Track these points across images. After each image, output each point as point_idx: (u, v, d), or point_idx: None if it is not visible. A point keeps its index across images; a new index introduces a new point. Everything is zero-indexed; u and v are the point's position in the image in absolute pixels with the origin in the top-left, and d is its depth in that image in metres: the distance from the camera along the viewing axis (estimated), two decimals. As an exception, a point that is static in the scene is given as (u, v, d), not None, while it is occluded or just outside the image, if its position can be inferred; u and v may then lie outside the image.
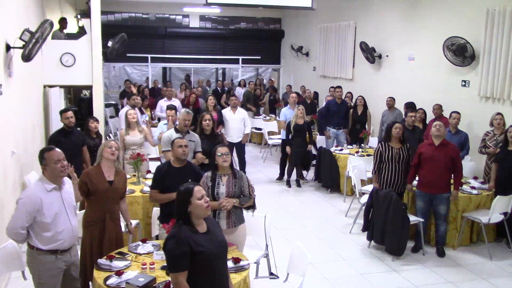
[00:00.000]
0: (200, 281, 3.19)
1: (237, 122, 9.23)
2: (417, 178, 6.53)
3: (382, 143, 6.68)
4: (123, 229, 5.01)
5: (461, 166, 6.36)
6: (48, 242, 3.95)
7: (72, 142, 6.83)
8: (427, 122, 8.79)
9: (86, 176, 4.67)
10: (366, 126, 10.27)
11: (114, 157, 4.76)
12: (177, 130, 6.38)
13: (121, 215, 4.95)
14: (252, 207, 4.88)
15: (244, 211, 4.88)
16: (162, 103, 10.92)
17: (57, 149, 4.04)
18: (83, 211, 4.93)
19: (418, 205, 6.45)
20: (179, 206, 3.28)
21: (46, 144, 6.71)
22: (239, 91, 15.17)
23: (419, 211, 6.44)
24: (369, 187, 7.49)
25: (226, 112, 9.37)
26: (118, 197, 4.84)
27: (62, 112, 7.07)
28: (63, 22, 10.70)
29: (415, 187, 6.53)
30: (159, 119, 10.73)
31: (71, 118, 6.94)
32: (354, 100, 10.86)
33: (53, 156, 3.95)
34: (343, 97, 10.65)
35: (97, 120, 7.42)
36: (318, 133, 10.84)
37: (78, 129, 7.54)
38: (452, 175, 6.29)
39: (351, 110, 10.28)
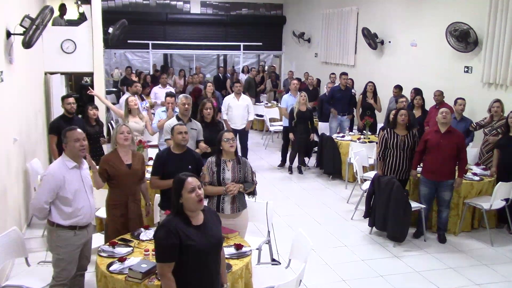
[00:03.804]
0: (188, 274, 3.14)
1: (241, 109, 9.20)
2: (421, 164, 6.54)
3: (388, 129, 6.66)
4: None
5: (466, 154, 6.37)
6: (68, 217, 4.11)
7: None
8: (427, 108, 8.73)
9: (105, 162, 4.84)
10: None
11: (127, 142, 4.90)
12: (178, 118, 6.35)
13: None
14: (253, 193, 4.92)
15: (246, 197, 4.93)
16: (157, 90, 10.94)
17: (79, 130, 4.22)
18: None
19: (422, 191, 6.46)
20: (173, 196, 3.20)
21: (47, 131, 6.70)
22: (242, 77, 15.13)
23: (422, 197, 6.45)
24: (371, 174, 7.51)
25: (230, 98, 9.34)
26: (137, 179, 4.99)
27: (64, 98, 7.05)
28: (63, 8, 10.64)
29: (420, 173, 6.54)
30: (152, 106, 10.74)
31: (73, 104, 6.95)
32: (354, 86, 10.82)
33: (73, 135, 4.15)
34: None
35: (96, 107, 7.32)
36: (317, 120, 10.83)
37: (79, 116, 7.51)
38: (457, 162, 6.28)
39: (361, 96, 10.23)
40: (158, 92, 10.81)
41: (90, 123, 7.20)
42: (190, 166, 4.89)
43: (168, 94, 8.01)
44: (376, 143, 7.61)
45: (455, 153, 6.22)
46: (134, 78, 12.69)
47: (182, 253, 3.08)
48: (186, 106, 6.36)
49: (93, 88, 9.79)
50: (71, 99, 6.98)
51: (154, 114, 8.28)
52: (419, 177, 6.50)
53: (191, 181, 3.18)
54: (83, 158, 4.32)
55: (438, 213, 6.48)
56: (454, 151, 6.20)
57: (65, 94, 8.99)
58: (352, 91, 10.80)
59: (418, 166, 6.57)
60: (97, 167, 4.80)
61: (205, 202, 4.88)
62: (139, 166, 5.00)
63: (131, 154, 4.97)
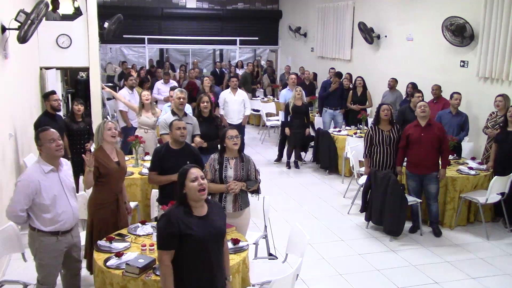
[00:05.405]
0: (187, 263, 3.20)
1: (237, 104, 9.19)
2: (406, 159, 6.55)
3: (372, 126, 6.70)
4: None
5: (448, 145, 6.42)
6: (49, 224, 3.96)
7: (59, 126, 6.65)
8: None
9: (95, 160, 4.62)
10: (368, 109, 10.22)
11: (115, 139, 4.80)
12: (174, 113, 6.34)
13: None
14: (257, 191, 4.87)
15: (249, 195, 4.88)
16: (159, 85, 10.90)
17: (52, 129, 4.03)
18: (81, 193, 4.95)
19: (410, 185, 6.49)
20: (178, 187, 3.31)
21: (34, 129, 6.55)
22: (238, 73, 15.08)
23: (412, 191, 6.48)
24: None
25: (226, 93, 9.32)
26: (124, 176, 4.95)
27: (48, 95, 6.75)
28: (55, 2, 10.51)
29: (405, 167, 6.55)
30: (156, 102, 10.70)
31: (59, 100, 6.77)
32: (353, 81, 10.81)
33: (47, 136, 3.95)
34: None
35: (81, 103, 7.03)
36: (316, 114, 10.82)
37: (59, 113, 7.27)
38: (440, 154, 6.31)
39: (351, 91, 10.23)
40: (161, 88, 10.78)
41: (75, 119, 6.93)
42: (188, 161, 4.86)
43: (172, 88, 8.00)
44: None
45: (437, 145, 6.25)
46: (134, 73, 12.61)
47: (182, 242, 3.16)
48: (181, 100, 6.34)
49: (88, 84, 9.77)
50: (56, 96, 6.77)
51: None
52: (406, 172, 6.53)
53: (194, 171, 3.30)
54: (65, 158, 4.14)
55: (427, 207, 6.50)
56: (436, 143, 6.23)
57: (61, 89, 8.93)
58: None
59: (403, 161, 6.58)
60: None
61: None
62: (124, 162, 4.93)
63: (115, 151, 4.85)
